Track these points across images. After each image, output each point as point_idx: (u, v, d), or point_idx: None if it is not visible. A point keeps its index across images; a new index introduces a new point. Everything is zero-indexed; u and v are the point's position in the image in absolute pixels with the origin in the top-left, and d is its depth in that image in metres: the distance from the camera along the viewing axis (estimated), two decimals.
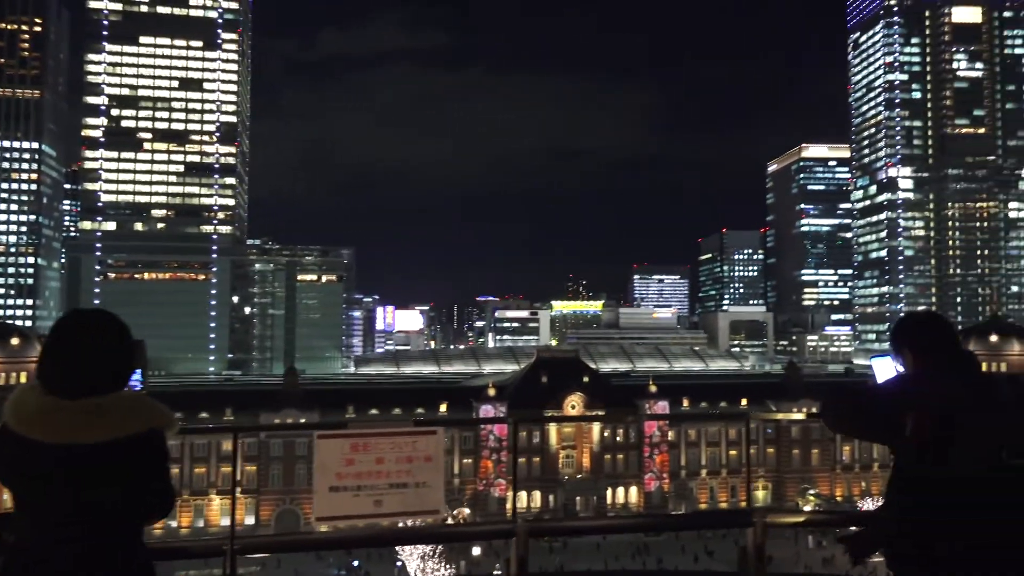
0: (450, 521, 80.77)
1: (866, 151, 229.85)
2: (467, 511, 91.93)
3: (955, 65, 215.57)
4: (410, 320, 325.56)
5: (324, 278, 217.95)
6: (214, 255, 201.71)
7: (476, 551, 75.63)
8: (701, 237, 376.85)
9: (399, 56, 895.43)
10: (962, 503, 3.23)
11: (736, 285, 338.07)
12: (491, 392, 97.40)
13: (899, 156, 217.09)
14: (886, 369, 3.92)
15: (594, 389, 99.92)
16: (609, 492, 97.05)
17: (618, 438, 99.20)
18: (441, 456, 5.16)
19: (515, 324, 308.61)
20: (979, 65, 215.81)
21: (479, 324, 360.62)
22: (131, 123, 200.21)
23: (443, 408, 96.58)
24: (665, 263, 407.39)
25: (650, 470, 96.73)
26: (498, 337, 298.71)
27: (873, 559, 3.79)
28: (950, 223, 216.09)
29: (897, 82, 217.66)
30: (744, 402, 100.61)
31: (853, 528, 4.03)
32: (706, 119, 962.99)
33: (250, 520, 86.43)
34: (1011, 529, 3.25)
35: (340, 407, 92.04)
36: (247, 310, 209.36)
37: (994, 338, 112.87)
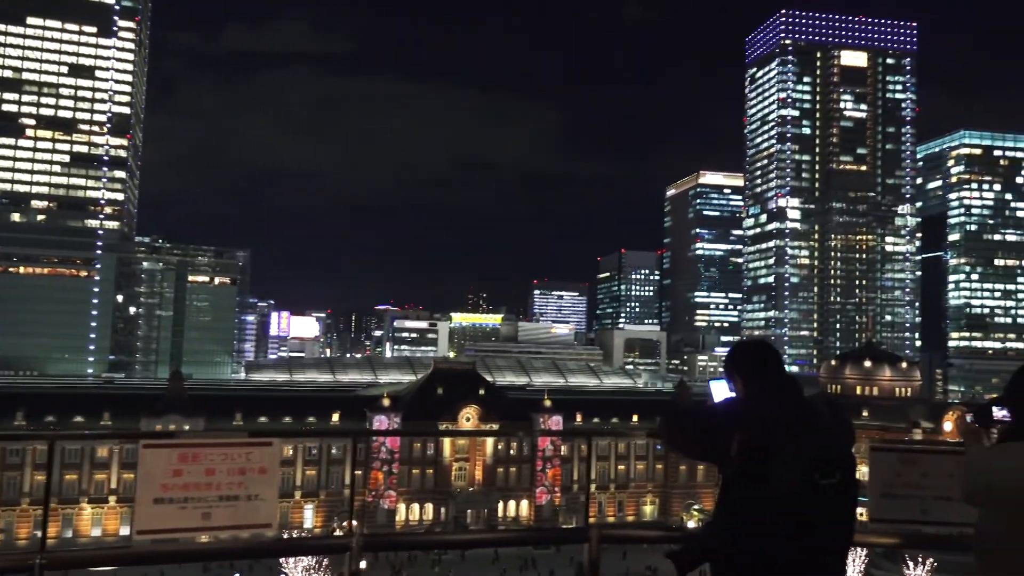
0: (339, 533, 79.12)
1: (759, 181, 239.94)
2: (355, 523, 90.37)
3: (842, 105, 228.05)
4: (306, 327, 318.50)
5: (217, 280, 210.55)
6: (99, 251, 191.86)
7: (363, 564, 74.14)
8: (601, 256, 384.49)
9: (305, 58, 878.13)
10: (777, 521, 3.38)
11: (632, 304, 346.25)
12: (386, 402, 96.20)
13: (788, 188, 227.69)
14: (722, 392, 4.05)
15: (490, 402, 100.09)
16: (501, 505, 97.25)
17: (512, 451, 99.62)
18: (277, 468, 4.95)
19: (414, 334, 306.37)
20: (863, 106, 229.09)
21: (377, 333, 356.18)
22: (13, 107, 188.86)
23: (336, 418, 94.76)
24: (565, 280, 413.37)
25: (542, 484, 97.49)
26: (396, 347, 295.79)
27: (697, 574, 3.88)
28: (832, 253, 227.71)
29: (789, 117, 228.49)
30: (635, 418, 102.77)
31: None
32: (611, 141, 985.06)
33: (124, 531, 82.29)
34: (821, 546, 3.48)
35: (227, 414, 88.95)
36: (132, 310, 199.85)
37: (868, 363, 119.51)
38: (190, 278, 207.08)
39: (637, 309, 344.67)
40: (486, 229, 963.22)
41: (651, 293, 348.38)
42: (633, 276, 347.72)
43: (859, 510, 3.76)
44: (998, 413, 4.11)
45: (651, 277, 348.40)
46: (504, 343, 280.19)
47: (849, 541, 3.67)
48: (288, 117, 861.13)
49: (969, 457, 4.05)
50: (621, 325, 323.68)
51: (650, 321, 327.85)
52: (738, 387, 3.89)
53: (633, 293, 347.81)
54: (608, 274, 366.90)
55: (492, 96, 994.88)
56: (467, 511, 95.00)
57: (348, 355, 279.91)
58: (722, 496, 3.61)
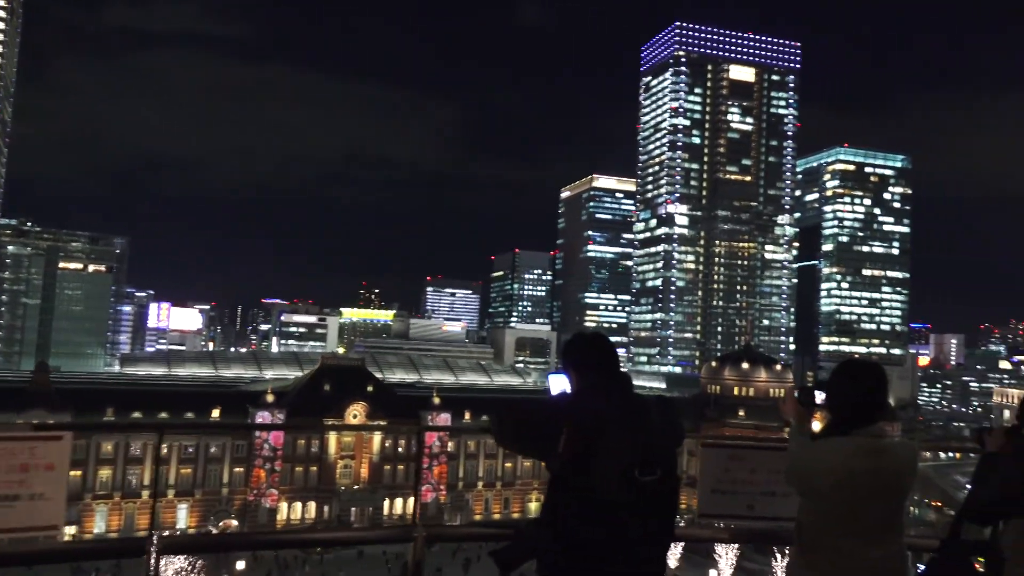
0: (214, 531, 76.41)
1: (650, 187, 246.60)
2: (234, 523, 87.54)
3: (730, 117, 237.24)
4: (188, 319, 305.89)
5: (91, 268, 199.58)
6: None
7: (240, 565, 72.00)
8: (494, 255, 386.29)
9: (194, 41, 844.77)
10: (599, 518, 3.40)
11: (525, 303, 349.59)
12: (269, 398, 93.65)
13: (677, 194, 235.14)
14: (560, 386, 3.97)
15: (378, 398, 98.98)
16: (387, 503, 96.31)
17: (399, 448, 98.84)
18: (66, 465, 4.48)
19: (302, 329, 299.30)
20: (749, 120, 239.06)
21: (264, 327, 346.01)
22: None
23: (216, 413, 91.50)
24: (459, 278, 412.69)
25: (428, 481, 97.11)
26: (283, 342, 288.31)
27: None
28: (717, 259, 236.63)
29: (680, 127, 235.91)
30: None
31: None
32: (508, 143, 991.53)
33: None
34: (642, 542, 3.51)
35: (98, 409, 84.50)
36: None
37: (745, 365, 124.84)
38: (61, 265, 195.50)
39: (529, 308, 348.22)
40: (380, 225, 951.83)
41: (543, 293, 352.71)
42: (526, 276, 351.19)
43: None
44: (819, 397, 4.32)
45: (544, 277, 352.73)
46: (395, 340, 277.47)
47: (670, 536, 3.71)
48: (174, 102, 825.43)
49: (791, 448, 4.20)
50: (513, 324, 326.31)
51: (541, 321, 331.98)
52: (572, 381, 3.86)
53: (526, 293, 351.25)
54: (501, 273, 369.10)
55: (390, 92, 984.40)
56: (351, 509, 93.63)
57: (232, 349, 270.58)
58: (549, 493, 3.60)
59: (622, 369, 3.92)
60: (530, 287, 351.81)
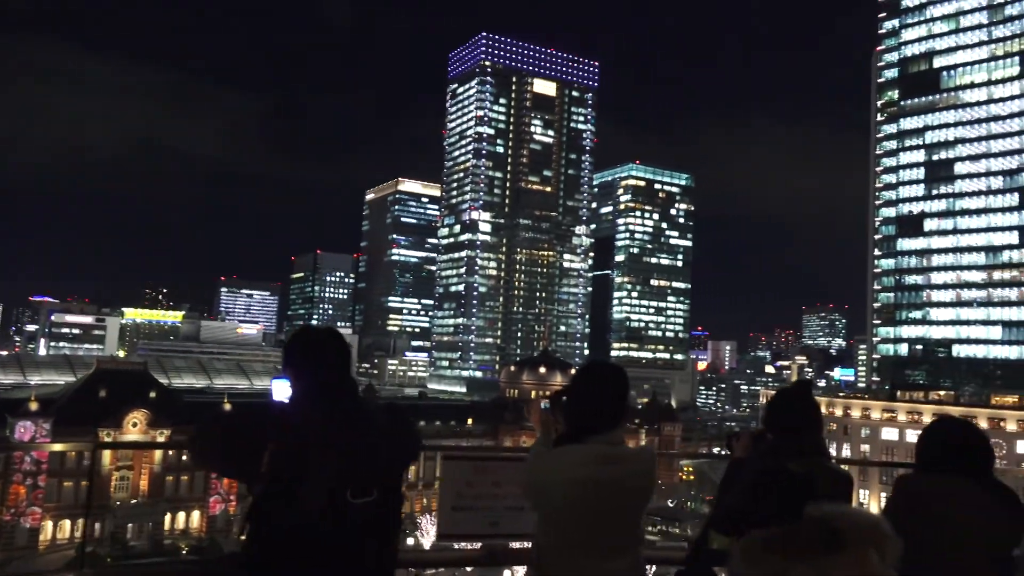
0: None
1: (454, 193, 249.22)
2: None
3: (532, 129, 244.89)
4: None
5: None
6: None
7: None
8: (295, 256, 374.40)
9: None
10: (303, 548, 2.95)
11: (326, 306, 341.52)
12: (33, 406, 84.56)
13: (481, 201, 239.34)
14: (283, 391, 3.41)
15: (161, 405, 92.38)
16: (168, 517, 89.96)
17: (184, 458, 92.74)
18: None
19: (76, 331, 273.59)
20: (551, 132, 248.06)
21: (31, 328, 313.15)
22: None
23: None
24: (256, 278, 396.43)
25: (216, 492, 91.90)
26: (53, 344, 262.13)
27: None
28: (517, 266, 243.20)
29: (485, 135, 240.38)
30: None
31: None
32: (312, 140, 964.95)
33: None
34: (354, 573, 3.08)
35: None
36: None
37: (543, 369, 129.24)
38: None
39: (331, 311, 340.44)
40: (170, 221, 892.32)
41: (345, 296, 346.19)
42: (328, 278, 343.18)
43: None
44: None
45: (346, 280, 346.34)
46: (184, 343, 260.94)
47: (391, 565, 3.28)
48: None
49: (528, 459, 3.83)
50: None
51: (343, 324, 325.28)
52: (291, 385, 3.30)
53: (327, 295, 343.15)
54: (302, 275, 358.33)
55: (185, 82, 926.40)
56: (128, 526, 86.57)
57: None
58: (248, 519, 3.06)
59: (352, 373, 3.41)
60: (332, 290, 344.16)
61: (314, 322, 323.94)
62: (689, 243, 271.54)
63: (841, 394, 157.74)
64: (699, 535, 3.99)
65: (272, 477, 2.97)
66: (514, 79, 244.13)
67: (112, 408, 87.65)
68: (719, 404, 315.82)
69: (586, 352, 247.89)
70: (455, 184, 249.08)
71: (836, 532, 1.98)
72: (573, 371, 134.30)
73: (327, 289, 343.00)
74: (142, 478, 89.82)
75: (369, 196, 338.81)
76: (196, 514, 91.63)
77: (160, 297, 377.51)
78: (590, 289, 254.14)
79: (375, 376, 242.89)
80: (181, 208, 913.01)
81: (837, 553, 1.93)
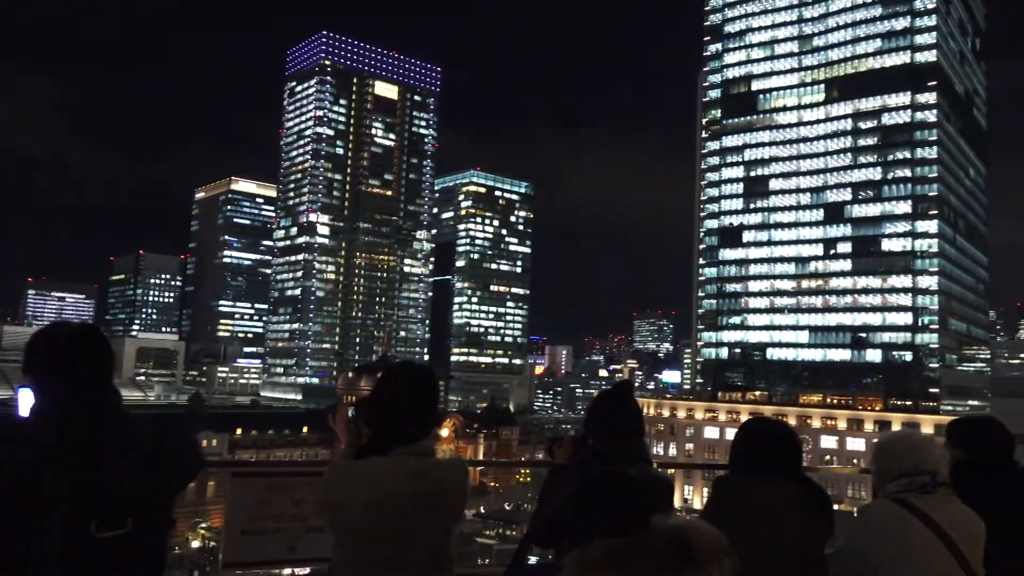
0: None
1: (291, 194, 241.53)
2: None
3: (373, 132, 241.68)
4: None
5: None
6: None
7: None
8: (115, 256, 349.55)
9: None
10: None
11: (150, 310, 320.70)
12: None
13: (320, 204, 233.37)
14: (27, 403, 2.75)
15: None
16: None
17: None
18: None
19: None
20: (392, 136, 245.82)
21: None
22: None
23: None
24: (71, 280, 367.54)
25: None
26: None
27: None
28: (357, 271, 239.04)
29: (324, 136, 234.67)
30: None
31: None
32: (134, 133, 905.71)
33: None
34: None
35: None
36: None
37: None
38: None
39: (155, 316, 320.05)
40: None
41: (171, 300, 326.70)
42: (152, 280, 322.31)
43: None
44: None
45: (173, 283, 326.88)
46: None
47: None
48: None
49: (327, 472, 3.35)
50: (135, 333, 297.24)
51: (168, 329, 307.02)
52: (34, 396, 2.68)
53: (151, 298, 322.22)
54: (123, 276, 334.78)
55: None
56: None
57: None
58: None
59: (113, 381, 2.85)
60: (156, 293, 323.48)
61: (136, 327, 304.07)
62: (528, 250, 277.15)
63: (668, 396, 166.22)
64: (518, 549, 3.78)
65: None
66: (355, 80, 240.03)
67: None
68: (556, 407, 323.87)
69: (426, 357, 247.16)
70: (292, 185, 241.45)
71: (688, 546, 1.83)
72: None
73: (151, 292, 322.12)
74: None
75: (199, 195, 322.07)
76: None
77: None
78: (430, 294, 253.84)
79: (204, 384, 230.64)
80: None
81: (691, 570, 1.79)
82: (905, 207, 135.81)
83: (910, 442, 3.76)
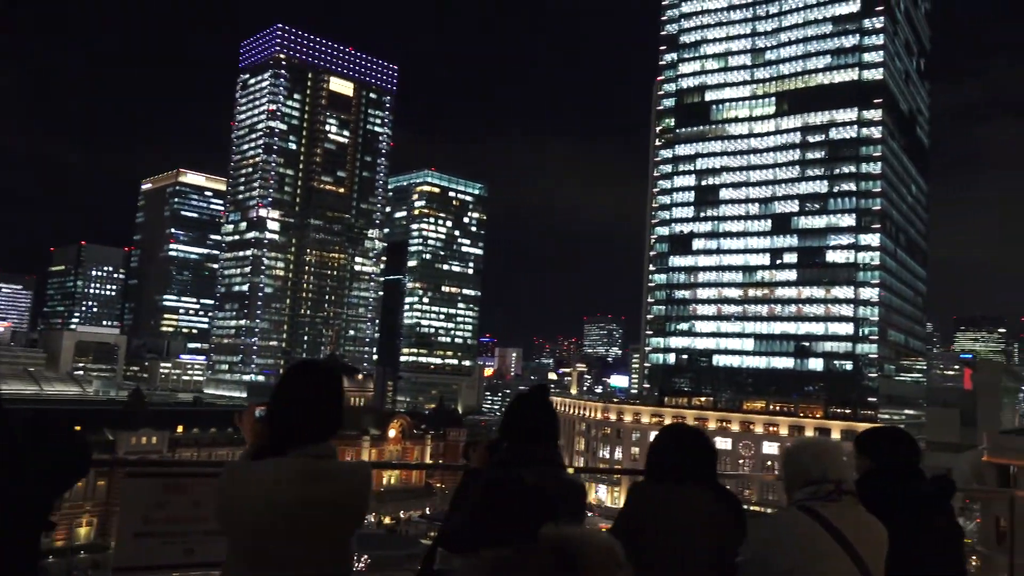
0: None
1: (241, 188, 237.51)
2: None
3: (327, 128, 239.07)
4: None
5: None
6: None
7: None
8: (55, 246, 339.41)
9: None
10: None
11: (90, 303, 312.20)
12: None
13: (270, 199, 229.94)
14: None
15: None
16: None
17: None
18: None
19: None
20: (346, 133, 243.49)
21: None
22: None
23: None
24: (6, 270, 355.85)
25: None
26: None
27: None
28: (307, 268, 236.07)
29: (277, 130, 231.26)
30: (78, 428, 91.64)
31: None
32: (76, 121, 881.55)
33: None
34: None
35: None
36: None
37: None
38: None
39: (96, 309, 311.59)
40: None
41: (114, 293, 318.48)
42: (93, 272, 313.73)
43: None
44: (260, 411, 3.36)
45: (115, 275, 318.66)
46: None
47: None
48: None
49: (222, 474, 3.17)
50: (74, 326, 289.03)
51: (110, 323, 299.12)
52: None
53: (92, 291, 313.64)
54: (63, 267, 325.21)
55: None
56: None
57: None
58: None
59: None
60: (98, 285, 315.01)
61: (75, 320, 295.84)
62: (480, 251, 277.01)
63: (616, 400, 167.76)
64: (426, 554, 3.70)
65: None
66: (310, 75, 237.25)
67: None
68: (503, 410, 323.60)
69: (375, 357, 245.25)
70: (243, 179, 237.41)
71: (572, 558, 1.78)
72: (360, 376, 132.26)
73: (92, 284, 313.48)
74: None
75: (146, 186, 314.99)
76: None
77: None
78: (381, 293, 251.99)
79: (146, 380, 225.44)
80: None
81: None
82: (849, 220, 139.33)
83: (816, 449, 3.81)
